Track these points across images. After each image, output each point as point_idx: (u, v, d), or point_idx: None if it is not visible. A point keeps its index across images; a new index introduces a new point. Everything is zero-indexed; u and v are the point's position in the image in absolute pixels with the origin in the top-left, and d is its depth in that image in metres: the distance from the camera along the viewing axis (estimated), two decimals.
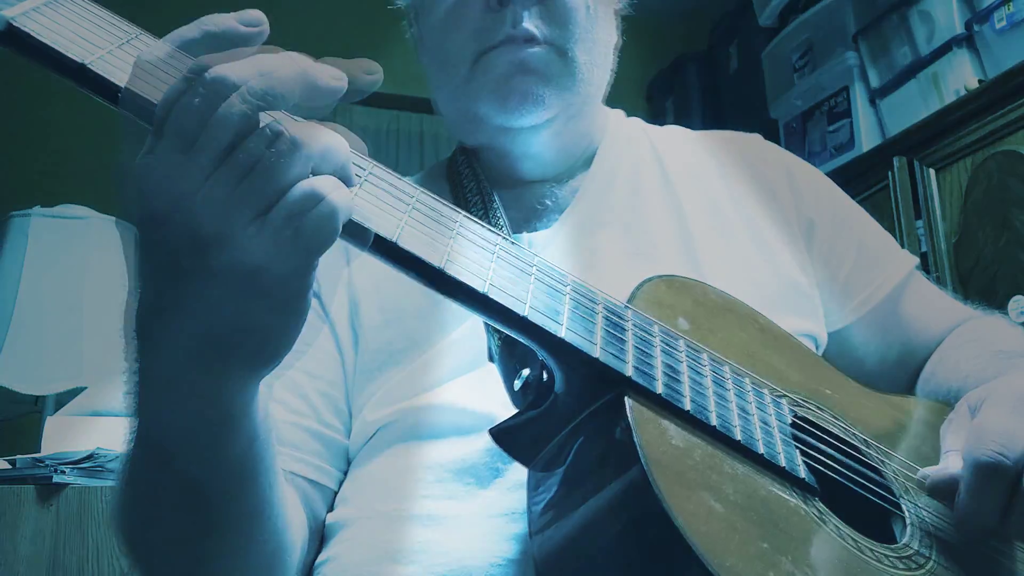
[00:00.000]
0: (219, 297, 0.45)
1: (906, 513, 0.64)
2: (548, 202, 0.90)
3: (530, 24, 0.83)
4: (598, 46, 0.90)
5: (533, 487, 0.60)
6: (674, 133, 1.03)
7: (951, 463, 0.63)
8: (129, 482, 0.61)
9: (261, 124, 0.44)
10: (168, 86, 0.45)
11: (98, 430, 1.53)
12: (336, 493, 0.82)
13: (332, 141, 0.46)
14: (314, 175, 0.45)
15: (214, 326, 0.47)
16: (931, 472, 0.64)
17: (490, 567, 0.65)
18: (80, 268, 1.89)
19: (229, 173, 0.43)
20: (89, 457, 1.40)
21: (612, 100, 1.13)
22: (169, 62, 0.46)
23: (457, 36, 0.86)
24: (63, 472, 1.37)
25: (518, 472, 0.63)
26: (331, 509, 0.80)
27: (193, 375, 0.50)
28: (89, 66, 0.46)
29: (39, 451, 1.46)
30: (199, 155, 0.43)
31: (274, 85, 0.44)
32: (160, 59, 0.46)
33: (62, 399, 1.72)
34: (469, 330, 0.77)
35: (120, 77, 0.46)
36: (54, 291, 1.85)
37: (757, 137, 1.03)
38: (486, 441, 0.64)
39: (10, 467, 1.41)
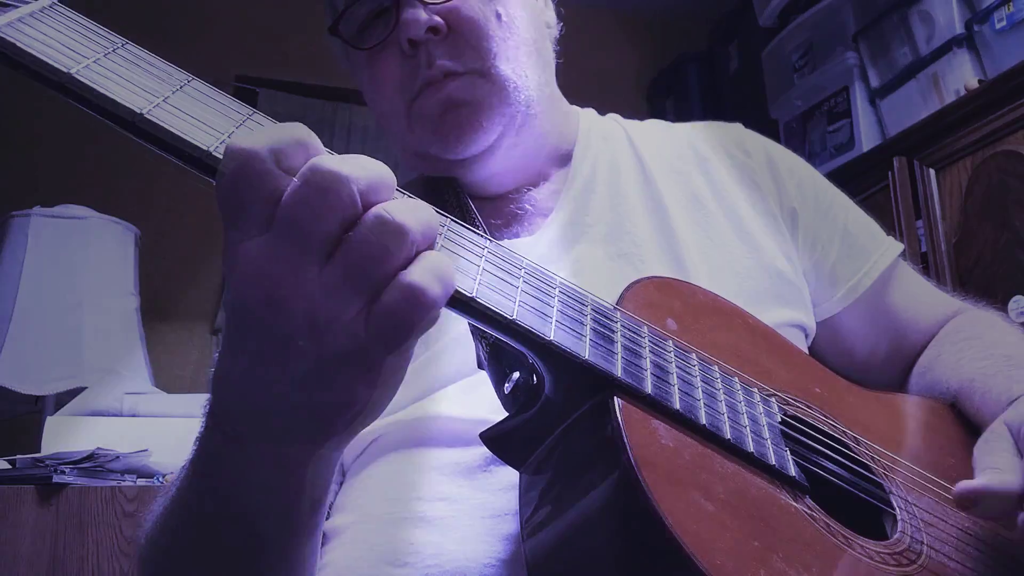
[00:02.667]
0: (325, 375, 0.46)
1: (897, 510, 0.64)
2: (528, 207, 0.90)
3: (443, 60, 0.84)
4: (523, 47, 0.89)
5: (524, 490, 0.60)
6: (652, 127, 1.03)
7: (991, 478, 0.62)
8: (177, 524, 0.61)
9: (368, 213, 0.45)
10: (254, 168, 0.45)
11: (98, 430, 1.54)
12: (331, 503, 0.82)
13: (429, 218, 0.47)
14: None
15: (315, 400, 0.48)
16: (967, 483, 0.62)
17: (484, 568, 0.65)
18: (80, 268, 1.90)
19: (342, 262, 0.44)
20: (89, 457, 1.40)
21: (612, 100, 1.12)
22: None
23: (385, 93, 0.88)
24: (63, 472, 1.37)
25: (511, 472, 0.63)
26: (327, 517, 0.80)
27: (286, 444, 0.51)
28: (75, 75, 0.46)
29: (39, 451, 1.47)
30: (314, 246, 0.44)
31: (374, 179, 0.46)
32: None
33: (62, 399, 1.73)
34: (454, 340, 0.78)
35: (107, 86, 0.46)
36: (54, 291, 1.86)
37: (738, 126, 1.03)
38: (478, 446, 0.64)
39: (10, 467, 1.42)
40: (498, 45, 0.86)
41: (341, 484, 0.82)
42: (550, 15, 0.99)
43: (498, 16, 0.87)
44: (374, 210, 0.45)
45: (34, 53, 0.46)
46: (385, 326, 0.45)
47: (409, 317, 0.45)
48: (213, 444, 0.54)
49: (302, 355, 0.45)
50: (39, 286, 1.85)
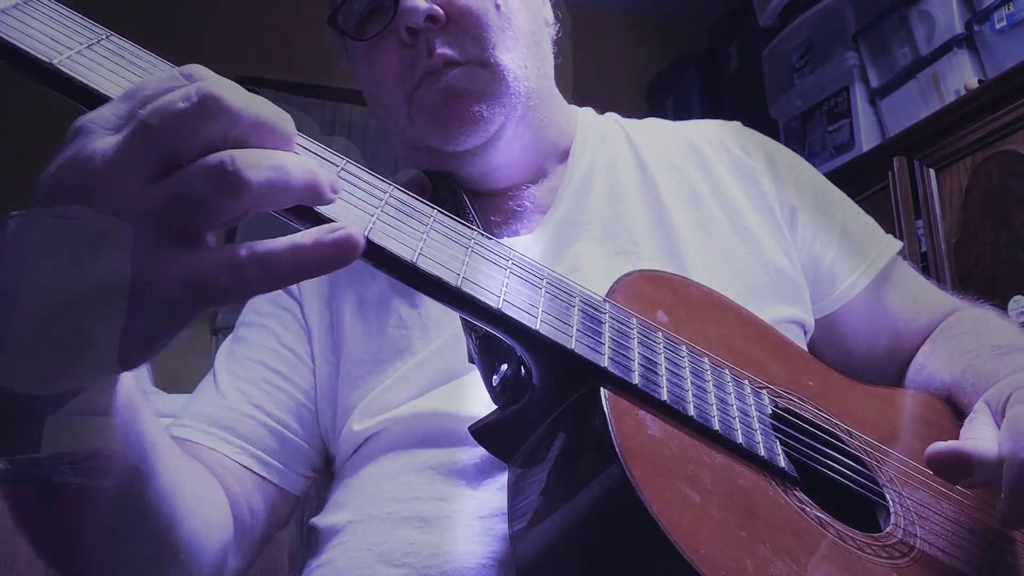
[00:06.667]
0: (91, 297, 0.42)
1: (890, 503, 0.64)
2: (527, 204, 0.90)
3: (443, 49, 0.84)
4: (522, 38, 0.89)
5: (513, 484, 0.60)
6: (652, 125, 1.03)
7: (967, 445, 0.61)
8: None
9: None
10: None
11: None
12: (296, 497, 0.84)
13: (257, 106, 0.44)
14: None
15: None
16: (939, 445, 0.61)
17: (481, 568, 0.65)
18: None
19: (179, 187, 0.42)
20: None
21: (612, 100, 1.12)
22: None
23: (385, 84, 0.87)
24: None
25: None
26: (319, 514, 0.81)
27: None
28: (58, 65, 0.46)
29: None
30: (155, 159, 0.42)
31: (263, 121, 0.44)
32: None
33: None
34: (452, 338, 0.78)
35: (89, 76, 0.47)
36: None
37: (737, 124, 1.03)
38: (476, 446, 0.64)
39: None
40: (497, 35, 0.86)
41: (308, 478, 0.85)
42: (547, 12, 0.99)
43: (496, 6, 0.87)
44: (196, 86, 0.42)
45: (16, 43, 0.46)
46: (176, 207, 0.41)
47: (207, 204, 0.41)
48: None
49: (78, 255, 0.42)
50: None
